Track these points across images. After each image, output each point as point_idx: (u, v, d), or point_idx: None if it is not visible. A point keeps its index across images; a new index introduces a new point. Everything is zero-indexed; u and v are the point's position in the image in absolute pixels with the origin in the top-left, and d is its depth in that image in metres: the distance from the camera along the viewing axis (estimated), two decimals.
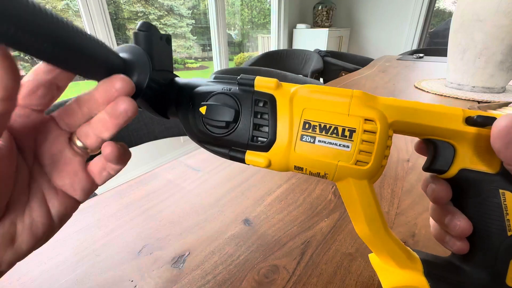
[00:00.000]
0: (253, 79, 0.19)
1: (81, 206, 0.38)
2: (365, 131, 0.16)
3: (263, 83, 0.19)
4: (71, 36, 0.13)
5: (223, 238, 0.30)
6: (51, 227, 0.17)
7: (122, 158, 0.17)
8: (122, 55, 0.19)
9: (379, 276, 0.22)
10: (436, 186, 0.18)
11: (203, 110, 0.19)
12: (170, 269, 0.26)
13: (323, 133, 0.17)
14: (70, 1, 1.55)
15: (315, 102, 0.18)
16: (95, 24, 1.31)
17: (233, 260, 0.27)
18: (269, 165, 0.19)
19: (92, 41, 0.15)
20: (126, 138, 0.69)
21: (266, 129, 0.19)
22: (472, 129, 0.16)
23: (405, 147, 0.50)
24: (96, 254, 0.28)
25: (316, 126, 0.17)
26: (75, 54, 0.14)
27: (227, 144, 0.20)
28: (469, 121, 0.16)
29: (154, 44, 0.19)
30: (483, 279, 0.17)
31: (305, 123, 0.17)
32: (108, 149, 0.16)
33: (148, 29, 0.18)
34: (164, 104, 0.22)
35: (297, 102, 0.18)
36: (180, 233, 0.31)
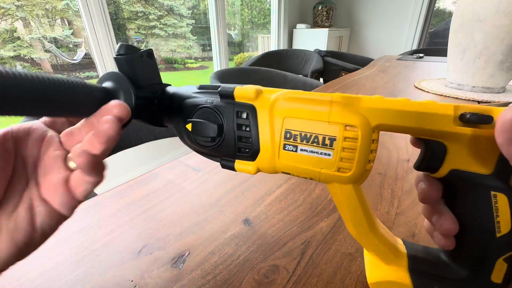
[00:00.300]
0: (233, 90, 0.19)
1: (81, 206, 0.38)
2: (346, 138, 0.16)
3: (242, 94, 0.19)
4: (42, 95, 0.14)
5: (223, 238, 0.30)
6: (33, 236, 0.17)
7: (96, 169, 0.17)
8: (106, 84, 0.19)
9: (366, 269, 0.22)
10: (426, 186, 0.18)
11: (189, 127, 0.20)
12: (170, 269, 0.26)
13: (304, 142, 0.17)
14: (70, 1, 1.55)
15: (295, 111, 0.17)
16: (95, 24, 1.31)
17: (233, 260, 0.27)
18: (258, 171, 0.20)
19: (69, 88, 0.15)
20: (126, 138, 0.69)
21: (250, 140, 0.19)
22: (464, 130, 0.15)
23: (405, 147, 0.50)
24: (96, 254, 0.28)
25: (297, 135, 0.17)
26: (53, 107, 0.15)
27: (218, 154, 0.21)
28: (462, 118, 0.15)
29: (136, 64, 0.19)
30: (468, 276, 0.18)
31: (286, 132, 0.18)
32: (80, 158, 0.16)
33: (127, 51, 0.19)
34: (158, 115, 0.22)
35: (277, 112, 0.18)
36: (180, 233, 0.31)
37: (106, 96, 0.19)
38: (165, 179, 0.42)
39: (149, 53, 0.20)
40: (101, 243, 0.30)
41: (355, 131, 0.16)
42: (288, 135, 0.18)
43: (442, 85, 0.91)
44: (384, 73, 1.21)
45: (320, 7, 2.83)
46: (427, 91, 0.86)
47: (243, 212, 0.34)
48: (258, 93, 0.19)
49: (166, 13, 2.14)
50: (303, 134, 0.17)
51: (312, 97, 0.17)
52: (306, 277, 0.25)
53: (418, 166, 0.18)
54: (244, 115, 0.19)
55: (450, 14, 3.36)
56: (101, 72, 1.41)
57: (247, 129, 0.19)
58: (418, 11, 2.74)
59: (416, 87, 0.92)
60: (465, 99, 0.76)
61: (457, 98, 0.78)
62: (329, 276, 0.25)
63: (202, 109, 0.20)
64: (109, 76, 0.20)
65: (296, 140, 0.17)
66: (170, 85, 0.23)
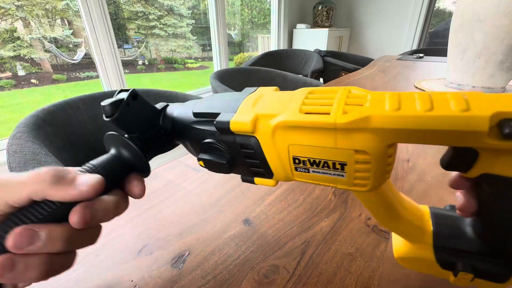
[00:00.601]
0: (228, 125, 0.18)
1: None
2: (357, 162, 0.15)
3: (239, 128, 0.18)
4: None
5: (223, 238, 0.30)
6: None
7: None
8: (112, 151, 0.20)
9: (393, 244, 0.22)
10: (456, 176, 0.17)
11: (201, 163, 0.21)
12: (170, 269, 0.26)
13: (314, 166, 0.17)
14: (70, 1, 1.55)
15: (298, 138, 0.16)
16: (95, 24, 1.31)
17: (233, 260, 0.27)
18: (277, 183, 0.20)
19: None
20: None
21: (260, 166, 0.19)
22: (502, 144, 0.12)
23: (405, 147, 0.50)
24: (96, 254, 0.28)
25: (306, 161, 0.17)
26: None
27: (237, 173, 0.22)
28: (501, 128, 0.12)
29: (127, 115, 0.19)
30: (493, 250, 0.17)
31: (294, 159, 0.17)
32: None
33: (113, 110, 0.19)
34: (168, 141, 0.23)
35: (280, 140, 0.17)
36: (180, 233, 0.31)
37: (121, 165, 0.20)
38: (165, 179, 0.42)
39: (133, 95, 0.20)
40: (101, 243, 0.30)
41: (366, 156, 0.15)
42: (296, 161, 0.17)
43: (442, 85, 0.91)
44: (384, 73, 1.21)
45: (320, 7, 2.83)
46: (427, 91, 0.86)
47: (243, 212, 0.34)
48: (254, 124, 0.17)
49: (166, 13, 2.14)
50: (311, 160, 0.17)
51: (314, 125, 0.15)
52: (306, 277, 0.25)
53: (445, 166, 0.16)
54: (248, 147, 0.18)
55: (450, 14, 3.36)
56: (101, 72, 1.41)
57: (255, 158, 0.19)
58: (418, 11, 2.74)
59: (416, 87, 0.92)
60: None
61: None
62: (329, 276, 0.25)
63: (206, 144, 0.20)
64: (110, 140, 0.20)
65: (306, 165, 0.17)
66: (167, 105, 0.23)
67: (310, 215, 0.33)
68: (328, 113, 0.15)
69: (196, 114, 0.20)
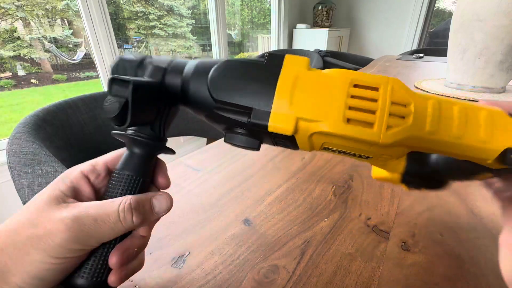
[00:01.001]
0: (266, 127, 0.17)
1: None
2: (382, 157, 0.18)
3: (279, 130, 0.17)
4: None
5: (223, 238, 0.30)
6: None
7: None
8: (131, 151, 0.21)
9: (372, 167, 0.26)
10: None
11: (229, 143, 0.21)
12: (170, 269, 0.26)
13: (342, 154, 0.19)
14: (70, 1, 1.56)
15: (336, 140, 0.17)
16: (95, 24, 1.31)
17: (233, 260, 0.27)
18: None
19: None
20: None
21: (289, 147, 0.20)
22: (502, 165, 0.16)
23: None
24: None
25: (335, 150, 0.18)
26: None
27: None
28: (505, 158, 0.15)
29: (138, 113, 0.18)
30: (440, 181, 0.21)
31: (325, 148, 0.19)
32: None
33: (123, 119, 0.18)
34: (173, 107, 0.22)
35: (316, 140, 0.18)
36: (180, 233, 0.31)
37: (149, 160, 0.21)
38: None
39: (134, 90, 0.17)
40: None
41: (392, 155, 0.17)
42: (326, 148, 0.19)
43: (442, 85, 0.92)
44: (384, 73, 1.21)
45: (320, 7, 2.83)
46: (427, 91, 0.86)
47: (243, 212, 0.34)
48: (295, 130, 0.17)
49: (166, 13, 2.14)
50: (341, 150, 0.18)
51: (357, 139, 0.16)
52: (306, 277, 0.25)
53: None
54: (282, 139, 0.18)
55: (450, 14, 3.37)
56: (101, 72, 1.41)
57: (287, 144, 0.19)
58: (418, 11, 2.74)
59: (416, 87, 0.92)
60: (465, 99, 0.76)
61: (457, 98, 0.78)
62: (329, 276, 0.25)
63: (235, 131, 0.19)
64: (131, 146, 0.21)
65: (335, 152, 0.19)
66: (165, 71, 0.20)
67: (310, 215, 0.33)
68: (371, 124, 0.16)
69: (220, 102, 0.18)
